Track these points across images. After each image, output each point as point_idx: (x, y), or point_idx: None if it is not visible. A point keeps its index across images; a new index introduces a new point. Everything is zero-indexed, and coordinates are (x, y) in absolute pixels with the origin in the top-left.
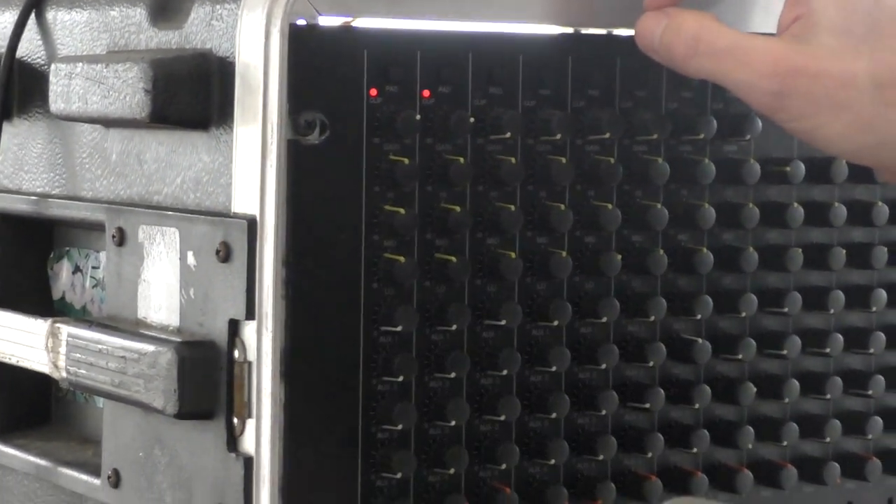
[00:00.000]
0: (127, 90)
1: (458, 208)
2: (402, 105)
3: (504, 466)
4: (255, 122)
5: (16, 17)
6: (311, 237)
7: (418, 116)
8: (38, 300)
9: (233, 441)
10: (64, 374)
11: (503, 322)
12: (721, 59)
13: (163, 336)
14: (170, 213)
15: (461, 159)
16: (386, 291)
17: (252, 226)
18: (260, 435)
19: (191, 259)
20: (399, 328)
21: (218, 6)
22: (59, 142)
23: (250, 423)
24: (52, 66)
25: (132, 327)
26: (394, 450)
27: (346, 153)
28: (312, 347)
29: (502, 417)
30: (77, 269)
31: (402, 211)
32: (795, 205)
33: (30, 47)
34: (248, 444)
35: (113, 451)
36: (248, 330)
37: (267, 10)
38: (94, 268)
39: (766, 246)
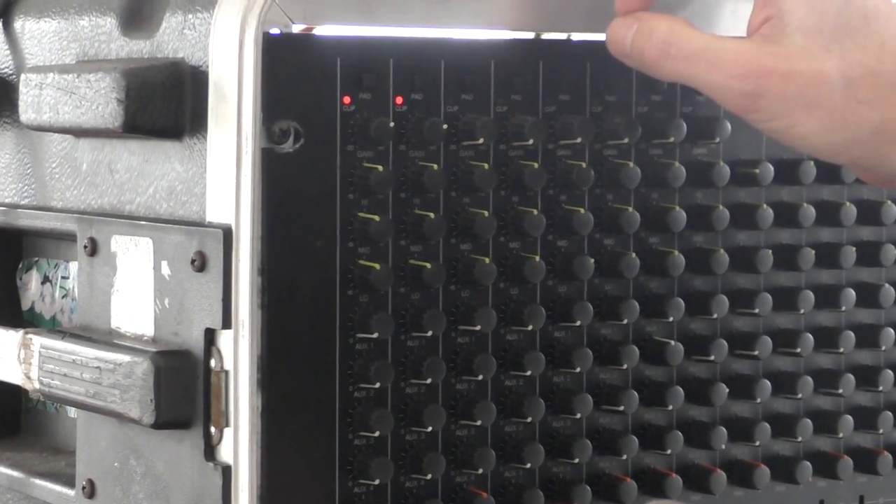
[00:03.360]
0: (99, 100)
1: (431, 215)
2: (375, 112)
3: (481, 471)
4: (230, 131)
5: None
6: (286, 245)
7: (392, 123)
8: (7, 311)
9: (210, 450)
10: (37, 386)
11: (478, 327)
12: (693, 62)
13: (138, 346)
14: (143, 222)
15: (434, 166)
16: (361, 298)
17: (228, 235)
18: (238, 444)
19: (165, 269)
20: (375, 335)
21: (190, 15)
22: (28, 151)
23: (228, 432)
24: (22, 76)
25: (105, 337)
26: (371, 456)
27: (320, 161)
28: (289, 355)
29: (478, 422)
30: (46, 280)
31: (376, 218)
32: (765, 206)
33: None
34: (225, 453)
35: (87, 462)
36: (225, 339)
37: (240, 19)
38: (63, 278)
39: (737, 247)
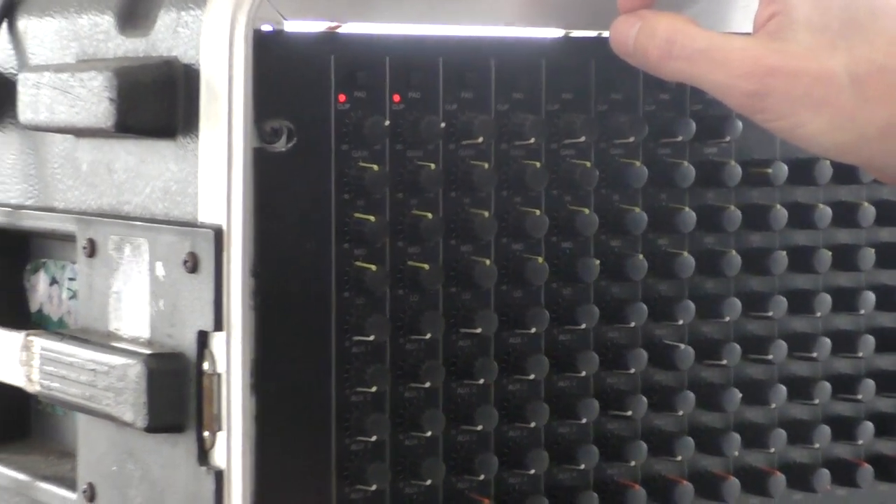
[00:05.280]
0: (92, 99)
1: (429, 215)
2: (371, 111)
3: (483, 477)
4: (220, 130)
5: None
6: (279, 246)
7: (387, 122)
8: (15, 313)
9: (203, 454)
10: (38, 388)
11: (479, 330)
12: (696, 62)
13: (132, 348)
14: (138, 223)
15: (432, 165)
16: (357, 300)
17: (219, 235)
18: (230, 448)
19: (160, 270)
20: (371, 338)
21: (183, 13)
22: (31, 152)
23: (221, 436)
24: (20, 76)
25: (103, 339)
26: (368, 461)
27: (314, 160)
28: (283, 358)
29: (479, 428)
30: (54, 281)
31: (371, 218)
32: (778, 207)
33: (2, 57)
34: (218, 457)
35: (88, 465)
36: (217, 341)
37: (230, 15)
38: (70, 279)
39: (750, 249)
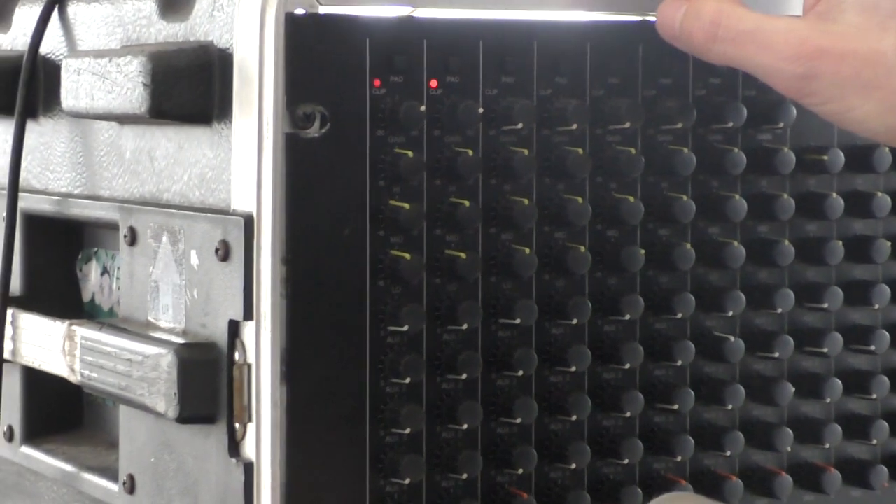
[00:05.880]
0: (128, 84)
1: (467, 202)
2: (407, 96)
3: (521, 471)
4: (252, 115)
5: (39, 13)
6: (311, 234)
7: (423, 107)
8: (68, 303)
9: (234, 446)
10: (79, 378)
11: (518, 321)
12: (743, 44)
13: (166, 338)
14: (174, 210)
15: (469, 151)
16: (393, 290)
17: (249, 223)
18: (260, 439)
19: (194, 258)
20: (405, 328)
21: None
22: (79, 140)
23: (251, 428)
24: (63, 62)
25: (142, 329)
26: (403, 454)
27: (348, 146)
28: (315, 348)
29: (518, 420)
30: (105, 271)
31: (406, 206)
32: (834, 195)
33: (53, 44)
34: (248, 449)
35: (128, 457)
36: (248, 331)
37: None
38: (119, 269)
39: (804, 239)
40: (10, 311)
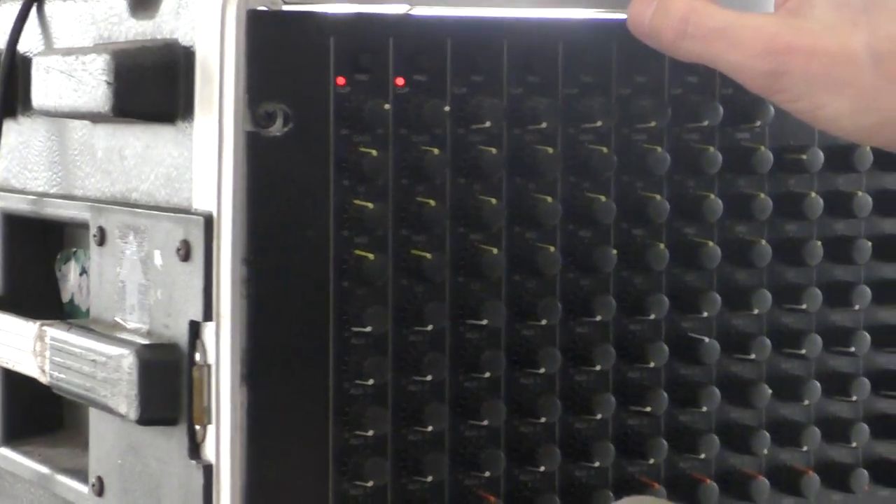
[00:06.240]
0: (93, 83)
1: (432, 202)
2: (372, 94)
3: (489, 474)
4: (213, 113)
5: (17, 11)
6: (273, 234)
7: (387, 106)
8: (48, 303)
9: (195, 448)
10: (49, 379)
11: (486, 322)
12: (711, 41)
13: (129, 339)
14: (140, 210)
15: (435, 150)
16: (358, 290)
17: (209, 223)
18: (220, 441)
19: (158, 258)
20: (369, 329)
21: None
22: (55, 139)
23: (211, 430)
24: (34, 60)
25: (109, 330)
26: (367, 456)
27: (311, 145)
28: (277, 349)
29: (486, 422)
30: (84, 271)
31: (369, 205)
32: (814, 195)
33: (32, 42)
34: (209, 451)
35: (97, 459)
36: (208, 331)
37: None
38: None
39: (783, 239)
40: None
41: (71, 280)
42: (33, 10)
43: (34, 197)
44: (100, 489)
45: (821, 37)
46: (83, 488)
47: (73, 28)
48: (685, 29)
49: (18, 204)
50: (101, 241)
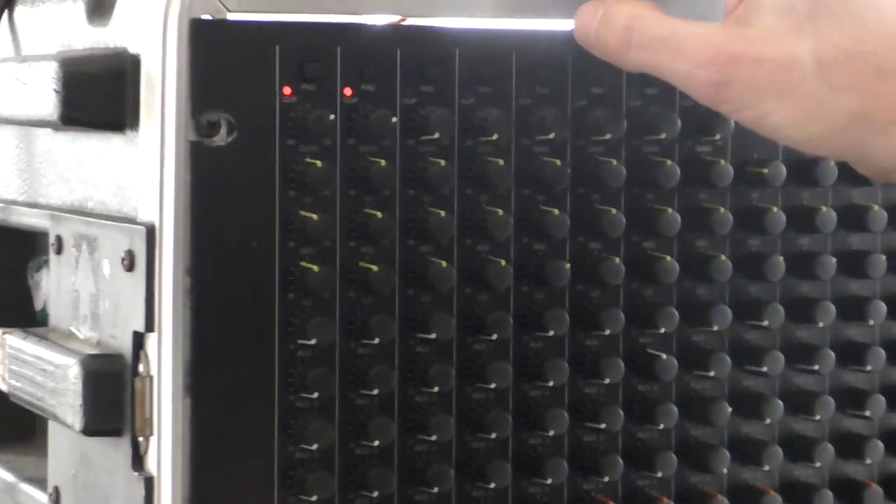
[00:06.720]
0: (42, 90)
1: (379, 214)
2: (319, 104)
3: (437, 490)
4: (156, 122)
5: None
6: (217, 244)
7: (332, 116)
8: (20, 311)
9: (138, 459)
10: (7, 387)
11: (434, 335)
12: (656, 51)
13: (77, 348)
14: (91, 219)
15: (382, 161)
16: (304, 302)
17: (151, 233)
18: (160, 453)
19: (106, 268)
20: (313, 341)
21: (135, 2)
22: (23, 147)
23: (153, 441)
24: None
25: (63, 339)
26: (311, 471)
27: (256, 155)
28: (220, 361)
29: (433, 437)
30: None
31: (314, 216)
32: (776, 210)
33: (5, 49)
34: (151, 463)
35: (54, 469)
36: (151, 342)
37: (164, 4)
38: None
39: (745, 253)
40: None
41: (43, 288)
42: (4, 17)
43: (2, 205)
44: (56, 499)
45: (766, 45)
46: (43, 497)
47: (40, 35)
48: (630, 38)
49: None
50: (59, 249)
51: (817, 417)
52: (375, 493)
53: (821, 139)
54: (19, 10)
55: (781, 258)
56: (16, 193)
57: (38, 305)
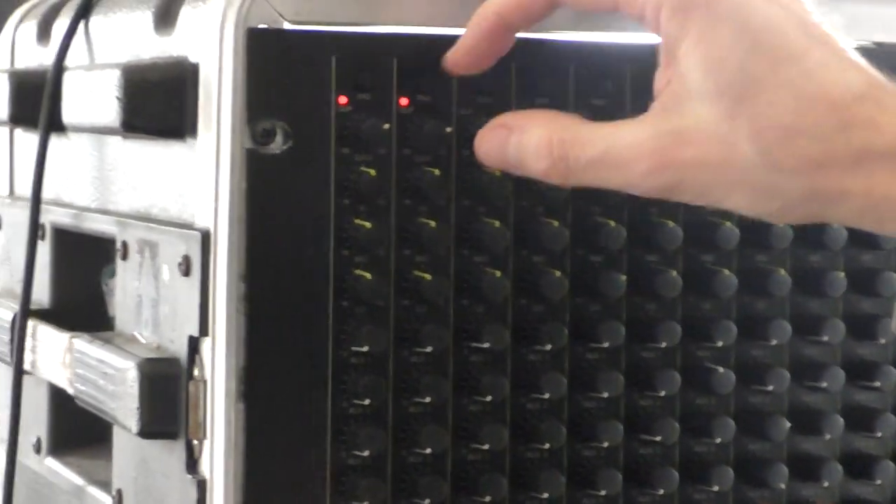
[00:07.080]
0: (106, 98)
1: (433, 223)
2: (374, 114)
3: (489, 499)
4: (212, 130)
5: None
6: (272, 251)
7: (386, 125)
8: (95, 318)
9: (192, 463)
10: (73, 390)
11: (487, 345)
12: (597, 170)
13: (135, 352)
14: (153, 225)
15: (436, 171)
16: (357, 310)
17: (206, 238)
18: (213, 457)
19: (165, 273)
20: (366, 348)
21: (194, 10)
22: (95, 154)
23: (207, 445)
24: (65, 76)
25: (126, 343)
26: (363, 477)
27: (311, 163)
28: (274, 367)
29: (486, 446)
30: None
31: (367, 225)
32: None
33: (80, 57)
34: (205, 466)
35: (118, 471)
36: (205, 347)
37: (221, 13)
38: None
39: (804, 269)
40: (31, 324)
41: (116, 294)
42: (81, 26)
43: (76, 211)
44: (118, 501)
45: (702, 144)
46: (107, 500)
47: (113, 44)
48: (567, 165)
49: (66, 218)
50: (124, 255)
51: (878, 434)
52: (427, 501)
53: (780, 213)
54: (94, 20)
55: (842, 274)
56: (88, 200)
57: (111, 311)
